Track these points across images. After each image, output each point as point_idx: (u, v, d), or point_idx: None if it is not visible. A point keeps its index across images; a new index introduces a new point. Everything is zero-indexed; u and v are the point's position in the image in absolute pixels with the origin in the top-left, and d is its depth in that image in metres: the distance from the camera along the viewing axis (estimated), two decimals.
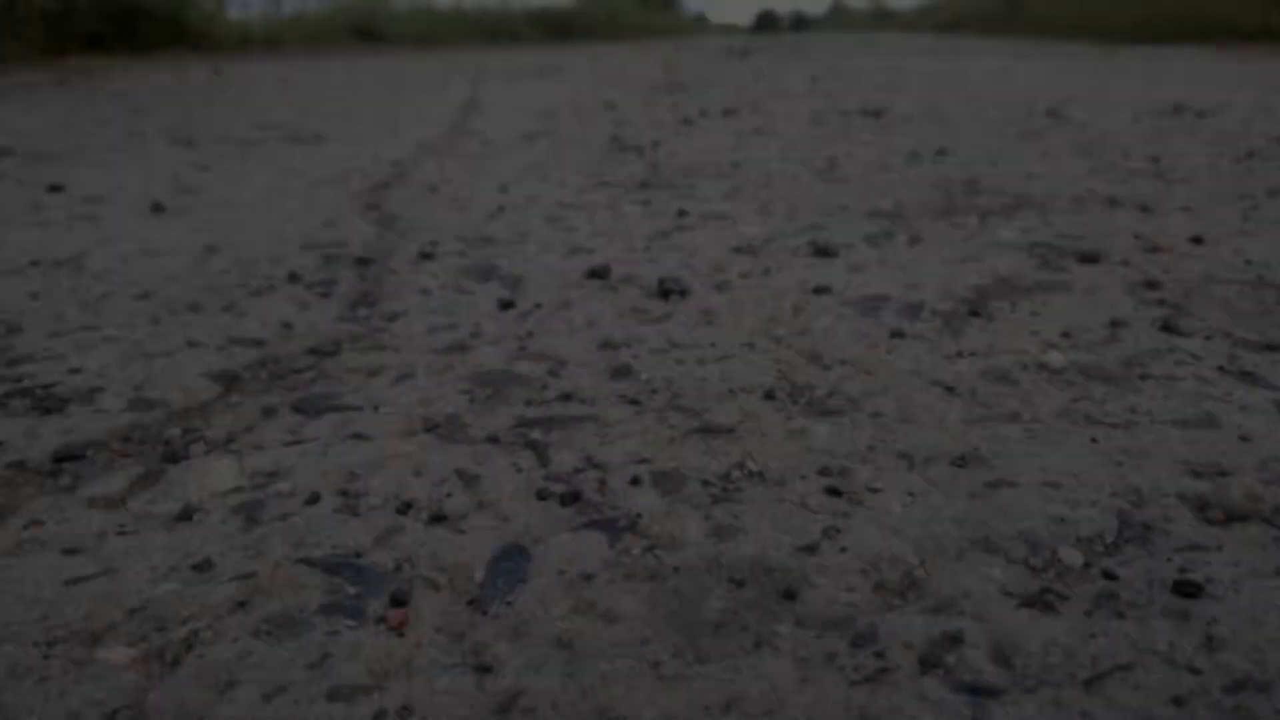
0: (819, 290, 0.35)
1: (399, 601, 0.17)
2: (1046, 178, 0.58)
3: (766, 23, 9.95)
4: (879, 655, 0.16)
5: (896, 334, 0.30)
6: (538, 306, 0.33)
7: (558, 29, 5.89)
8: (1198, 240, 0.42)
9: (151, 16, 2.66)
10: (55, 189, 0.57)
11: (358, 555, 0.18)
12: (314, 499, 0.20)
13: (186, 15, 2.82)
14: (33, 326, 0.32)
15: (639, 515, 0.20)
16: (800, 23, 11.34)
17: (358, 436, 0.23)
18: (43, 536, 0.19)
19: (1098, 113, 0.91)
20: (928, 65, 1.63)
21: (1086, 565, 0.18)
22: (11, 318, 0.32)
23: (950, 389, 0.26)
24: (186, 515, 0.20)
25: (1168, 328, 0.30)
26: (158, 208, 0.50)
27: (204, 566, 0.18)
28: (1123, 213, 0.49)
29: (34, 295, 0.35)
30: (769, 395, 0.26)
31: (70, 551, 0.18)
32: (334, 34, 3.67)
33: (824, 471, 0.21)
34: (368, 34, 3.80)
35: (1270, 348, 0.29)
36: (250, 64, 2.17)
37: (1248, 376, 0.27)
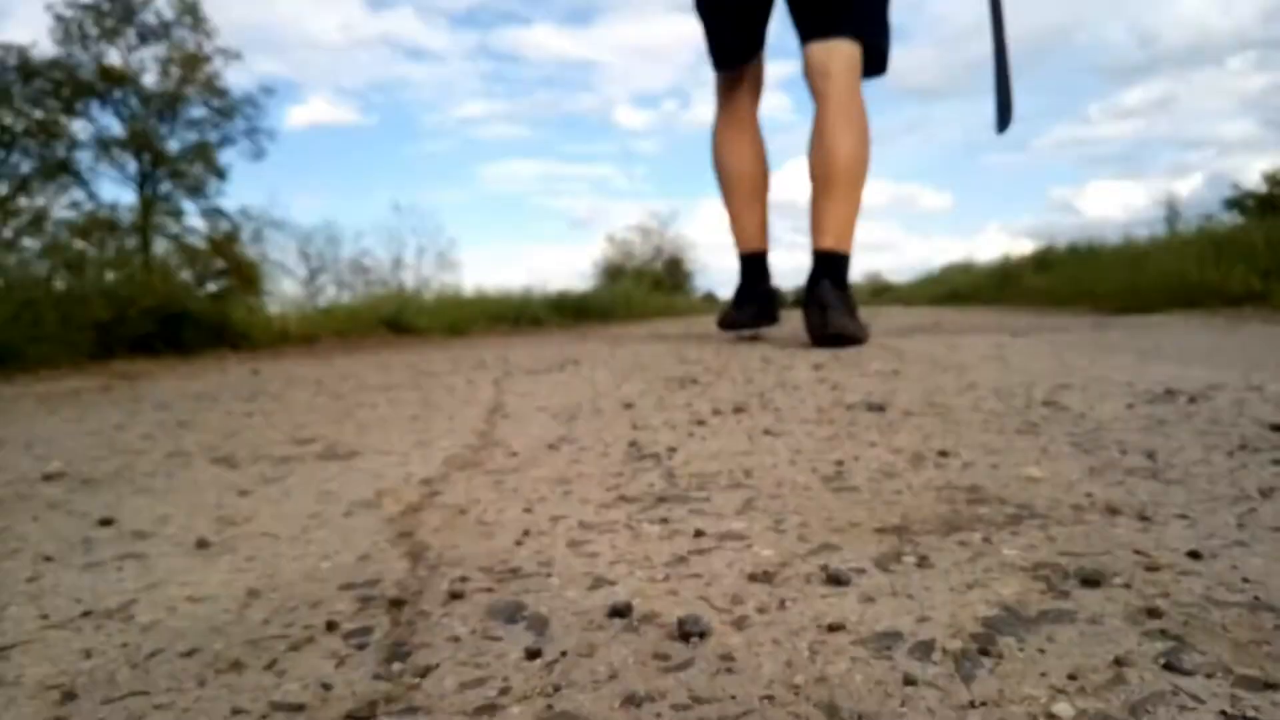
0: (833, 628, 0.36)
1: None
2: (1047, 482, 0.61)
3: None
4: None
5: (910, 680, 0.31)
6: (563, 654, 0.35)
7: (576, 313, 6.24)
8: (1195, 555, 0.44)
9: (198, 321, 2.85)
10: (105, 523, 0.60)
11: None
12: None
13: (230, 318, 3.01)
14: (87, 692, 0.33)
15: None
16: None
17: None
18: None
19: (1093, 400, 0.96)
20: (926, 348, 1.71)
21: None
22: (67, 681, 0.34)
23: None
24: None
25: (1170, 666, 0.31)
26: (202, 544, 0.53)
27: None
28: (1123, 522, 0.50)
29: (87, 653, 0.37)
30: None
31: None
32: (367, 326, 3.88)
33: None
34: (399, 326, 4.02)
35: (1270, 685, 0.30)
36: (287, 362, 2.30)
37: None
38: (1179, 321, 2.48)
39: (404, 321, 3.89)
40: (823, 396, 1.06)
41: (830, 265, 1.69)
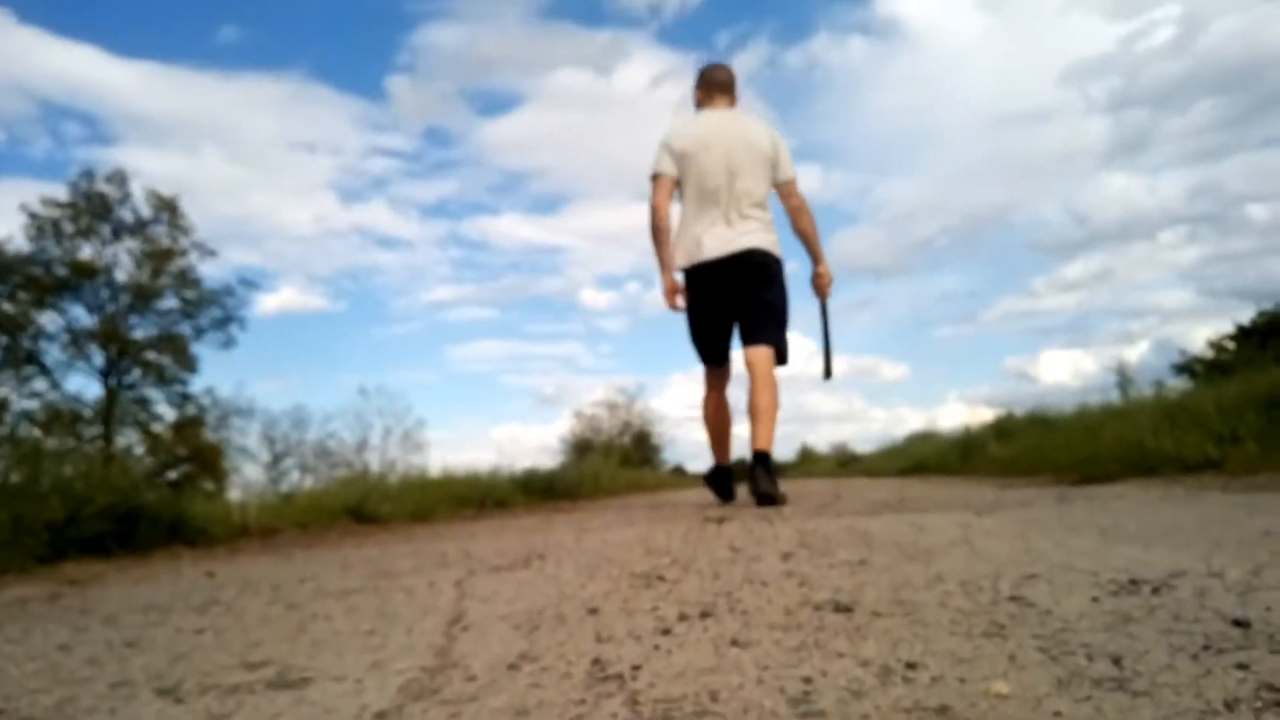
0: None
1: None
2: (1015, 699, 0.60)
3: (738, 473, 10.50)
4: None
5: None
6: None
7: (544, 492, 6.19)
8: None
9: (154, 518, 2.78)
10: None
11: None
12: None
13: (186, 513, 2.95)
14: None
15: None
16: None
17: None
18: None
19: (1059, 594, 0.96)
20: (892, 531, 1.72)
21: None
22: None
23: None
24: None
25: None
26: None
27: None
28: None
29: None
30: None
31: None
32: (329, 516, 3.81)
33: None
34: (362, 515, 3.95)
35: None
36: (244, 561, 2.25)
37: None
38: (1139, 493, 2.51)
39: (367, 510, 3.82)
40: (790, 594, 1.05)
41: (762, 457, 2.83)
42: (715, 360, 3.12)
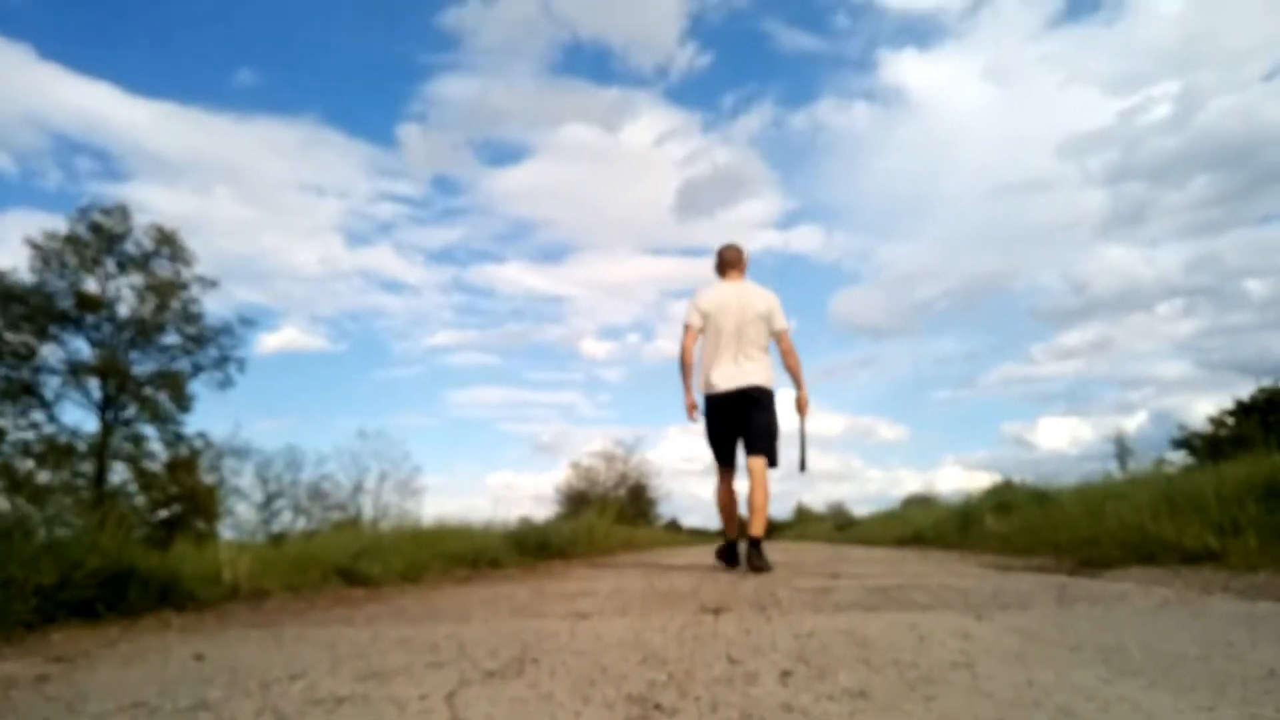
0: None
1: None
2: None
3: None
4: None
5: None
6: None
7: (538, 550, 6.13)
8: None
9: (144, 581, 2.76)
10: None
11: None
12: None
13: (178, 574, 2.92)
14: None
15: None
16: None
17: None
18: None
19: None
20: (893, 639, 1.71)
21: None
22: None
23: None
24: None
25: None
26: None
27: None
28: None
29: None
30: None
31: None
32: (320, 575, 3.78)
33: None
34: (352, 575, 3.92)
35: None
36: (233, 636, 2.22)
37: None
38: (1141, 594, 2.49)
39: (358, 571, 3.78)
40: None
41: (756, 541, 3.92)
42: (725, 462, 4.25)
